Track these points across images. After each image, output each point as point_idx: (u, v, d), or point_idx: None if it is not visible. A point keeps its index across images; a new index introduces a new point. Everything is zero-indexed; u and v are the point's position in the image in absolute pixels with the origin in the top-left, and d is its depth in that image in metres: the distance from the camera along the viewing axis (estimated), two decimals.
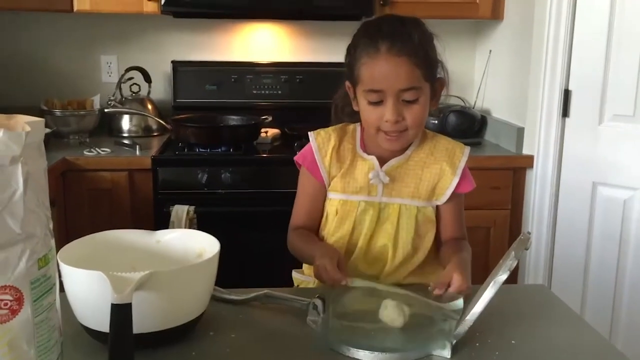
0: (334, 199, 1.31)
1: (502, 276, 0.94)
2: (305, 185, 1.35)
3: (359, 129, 1.34)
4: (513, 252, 0.95)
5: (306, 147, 1.34)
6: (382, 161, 1.29)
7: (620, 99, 2.11)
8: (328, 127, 1.36)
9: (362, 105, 1.23)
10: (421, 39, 1.20)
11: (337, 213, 1.30)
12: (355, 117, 1.32)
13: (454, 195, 1.30)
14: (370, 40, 1.19)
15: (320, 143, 1.31)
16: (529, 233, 1.05)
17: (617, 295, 2.18)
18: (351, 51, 1.24)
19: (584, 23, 2.15)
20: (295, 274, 1.43)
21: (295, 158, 1.36)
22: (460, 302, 1.05)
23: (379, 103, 1.19)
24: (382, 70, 1.17)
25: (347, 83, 1.28)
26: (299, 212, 1.36)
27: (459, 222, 1.34)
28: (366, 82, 1.20)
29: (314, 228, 1.36)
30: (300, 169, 1.36)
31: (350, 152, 1.31)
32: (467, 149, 1.32)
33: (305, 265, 1.41)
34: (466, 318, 0.95)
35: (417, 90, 1.19)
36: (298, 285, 1.42)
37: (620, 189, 2.14)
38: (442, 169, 1.29)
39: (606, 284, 2.19)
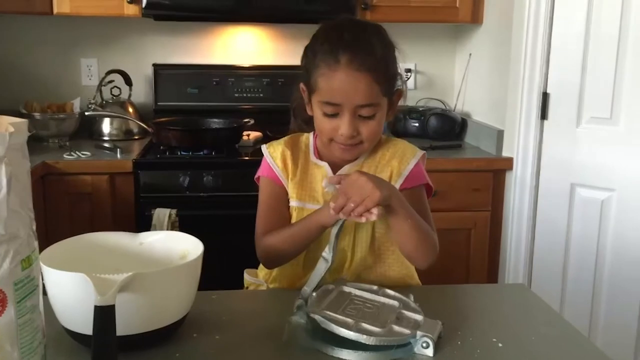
0: (292, 206, 1.28)
1: (327, 252, 1.05)
2: (267, 192, 1.30)
3: (312, 137, 1.32)
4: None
5: (262, 161, 1.32)
6: (336, 168, 1.26)
7: (597, 101, 2.14)
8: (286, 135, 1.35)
9: (317, 114, 1.20)
10: (383, 52, 1.16)
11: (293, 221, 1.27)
12: (312, 123, 1.27)
13: (404, 192, 1.20)
14: (331, 49, 1.14)
15: (272, 151, 1.30)
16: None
17: (596, 293, 2.21)
18: (309, 55, 1.20)
19: (562, 27, 2.19)
20: (247, 276, 1.39)
21: (255, 177, 1.34)
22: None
23: (334, 115, 1.16)
24: (341, 84, 1.13)
25: (302, 86, 1.24)
26: (267, 218, 1.28)
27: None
28: (323, 94, 1.16)
29: None
30: (260, 182, 1.33)
31: (303, 159, 1.29)
32: (420, 152, 1.29)
33: (260, 268, 1.36)
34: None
35: (375, 106, 1.16)
36: (247, 287, 1.38)
37: (598, 190, 2.17)
38: (392, 170, 1.26)
39: (585, 283, 2.22)
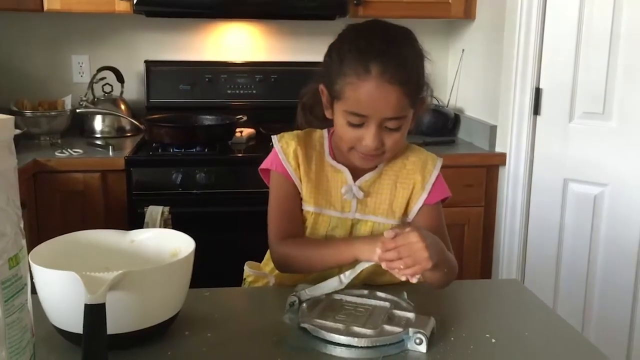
0: (307, 210, 1.23)
1: (347, 277, 1.05)
2: (281, 188, 1.24)
3: (326, 135, 1.27)
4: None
5: (271, 153, 1.26)
6: (354, 172, 1.23)
7: (589, 97, 2.14)
8: (293, 130, 1.29)
9: (340, 122, 1.15)
10: (415, 63, 1.12)
11: (308, 226, 1.23)
12: (326, 121, 1.24)
13: (425, 207, 1.23)
14: (360, 57, 1.08)
15: (284, 145, 1.24)
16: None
17: (589, 288, 2.22)
18: (334, 59, 1.13)
19: (554, 23, 2.19)
20: (247, 268, 1.36)
21: (260, 167, 1.28)
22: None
23: (359, 125, 1.12)
24: (370, 96, 1.08)
25: (322, 87, 1.18)
26: (281, 219, 1.23)
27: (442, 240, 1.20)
28: (349, 104, 1.10)
29: (302, 235, 1.23)
30: (270, 175, 1.27)
31: (318, 159, 1.24)
32: (439, 161, 1.26)
33: (265, 263, 1.34)
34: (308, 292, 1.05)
35: (402, 119, 1.12)
36: (245, 279, 1.36)
37: (591, 185, 2.18)
38: (415, 183, 1.23)
39: (578, 278, 2.23)
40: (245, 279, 1.38)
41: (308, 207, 1.23)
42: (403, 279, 1.02)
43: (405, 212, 1.24)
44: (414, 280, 1.02)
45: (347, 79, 1.10)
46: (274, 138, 1.27)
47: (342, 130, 1.15)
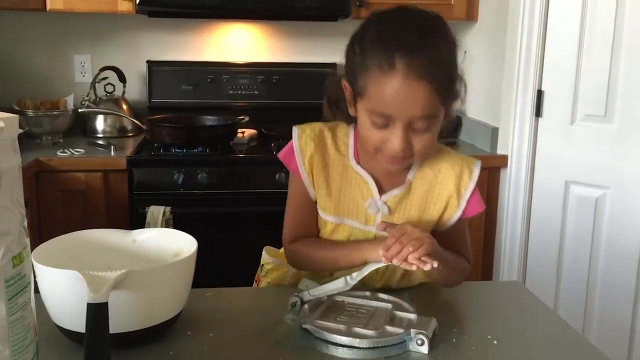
0: (326, 220, 1.16)
1: (354, 279, 1.04)
2: (294, 191, 1.18)
3: (352, 134, 1.15)
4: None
5: (288, 146, 1.17)
6: (380, 184, 1.13)
7: (591, 99, 2.14)
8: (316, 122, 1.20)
9: (364, 122, 1.04)
10: (447, 55, 1.01)
11: (326, 234, 1.17)
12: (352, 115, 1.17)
13: (457, 222, 1.17)
14: (385, 49, 0.97)
15: (302, 145, 1.14)
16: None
17: (590, 290, 2.21)
18: (357, 51, 1.03)
19: (557, 25, 2.19)
20: (266, 255, 1.31)
21: (279, 156, 1.19)
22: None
23: (384, 126, 1.01)
24: (396, 93, 0.97)
25: (345, 83, 1.08)
26: (295, 221, 1.18)
27: (457, 245, 1.19)
28: (373, 102, 1.00)
29: (316, 235, 1.18)
30: (289, 175, 1.20)
31: (340, 163, 1.14)
32: (476, 170, 1.15)
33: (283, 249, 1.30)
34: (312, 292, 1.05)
35: (432, 118, 1.01)
36: (263, 265, 1.32)
37: (592, 187, 2.18)
38: (449, 198, 1.14)
39: (579, 280, 2.23)
40: (263, 265, 1.32)
41: (327, 217, 1.16)
42: (414, 268, 0.98)
43: (438, 227, 1.17)
44: (427, 267, 0.97)
45: (370, 73, 0.99)
46: (295, 130, 1.16)
47: (366, 132, 1.05)
